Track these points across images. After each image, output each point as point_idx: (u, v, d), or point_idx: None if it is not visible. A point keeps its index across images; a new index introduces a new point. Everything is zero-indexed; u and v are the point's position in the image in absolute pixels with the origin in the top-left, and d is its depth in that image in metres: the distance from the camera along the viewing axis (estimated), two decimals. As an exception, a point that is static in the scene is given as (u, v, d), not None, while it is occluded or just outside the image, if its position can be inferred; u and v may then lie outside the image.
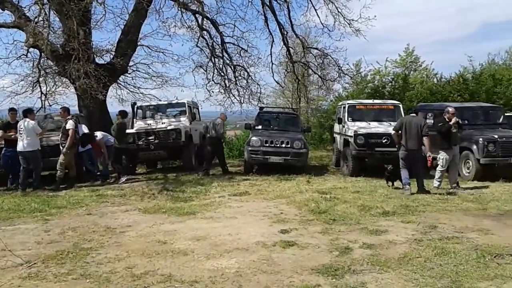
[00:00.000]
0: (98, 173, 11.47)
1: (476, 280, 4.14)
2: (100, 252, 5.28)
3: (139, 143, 12.43)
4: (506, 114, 13.13)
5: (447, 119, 9.58)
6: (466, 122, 11.33)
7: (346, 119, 12.82)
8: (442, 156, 9.52)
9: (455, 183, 9.55)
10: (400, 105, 13.27)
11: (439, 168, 9.52)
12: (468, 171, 10.90)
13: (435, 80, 22.67)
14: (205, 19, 15.46)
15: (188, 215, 7.26)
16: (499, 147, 10.57)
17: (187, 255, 5.08)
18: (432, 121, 12.88)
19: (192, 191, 9.60)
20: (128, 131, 12.62)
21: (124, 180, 11.10)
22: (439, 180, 9.51)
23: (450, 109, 9.74)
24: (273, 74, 18.19)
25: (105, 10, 13.22)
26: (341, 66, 16.62)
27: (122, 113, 12.09)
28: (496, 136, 10.67)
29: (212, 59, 16.03)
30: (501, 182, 10.24)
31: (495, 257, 4.77)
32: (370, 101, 14.60)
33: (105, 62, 14.49)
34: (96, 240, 5.82)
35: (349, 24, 15.50)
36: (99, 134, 11.72)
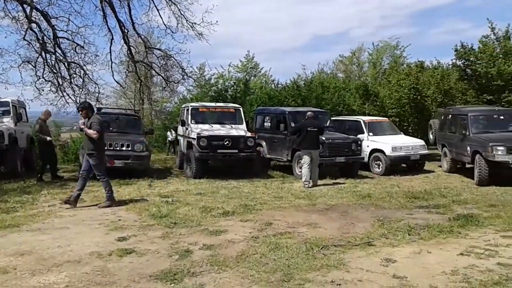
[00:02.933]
0: None
1: (305, 272, 4.45)
2: None
3: None
4: (332, 118, 14.64)
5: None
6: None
7: (189, 122, 12.84)
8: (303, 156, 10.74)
9: (315, 181, 10.62)
10: (241, 109, 13.80)
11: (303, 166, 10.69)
12: (300, 170, 11.79)
13: (272, 85, 24.25)
14: (34, 10, 13.96)
15: (11, 227, 6.41)
16: (327, 148, 11.70)
17: (8, 272, 4.47)
18: (269, 124, 13.75)
19: (16, 200, 8.52)
20: None
21: None
22: (305, 177, 10.51)
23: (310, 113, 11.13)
24: (113, 74, 17.15)
25: None
26: (185, 68, 16.59)
27: None
28: (323, 138, 11.78)
29: (43, 54, 14.55)
30: (328, 179, 11.36)
31: (321, 248, 5.22)
32: (213, 104, 14.91)
33: None
34: None
35: (191, 27, 15.56)
36: None
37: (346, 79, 27.94)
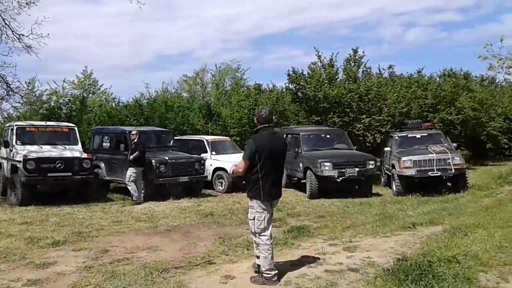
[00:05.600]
0: None
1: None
2: None
3: None
4: (175, 137, 14.55)
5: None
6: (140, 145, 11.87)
7: (14, 143, 11.44)
8: (130, 172, 10.87)
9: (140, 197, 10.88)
10: (76, 128, 12.82)
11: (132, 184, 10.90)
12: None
13: (113, 104, 23.19)
14: None
15: None
16: (170, 168, 11.55)
17: None
18: (109, 144, 13.05)
19: None
20: None
21: None
22: (136, 193, 10.85)
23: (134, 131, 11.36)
24: None
25: None
26: (9, 83, 14.81)
27: None
28: (167, 158, 11.63)
29: None
30: (171, 200, 11.17)
31: (161, 272, 5.05)
32: (43, 123, 13.55)
33: None
34: None
35: (18, 38, 14.06)
36: None
37: (190, 98, 28.11)
